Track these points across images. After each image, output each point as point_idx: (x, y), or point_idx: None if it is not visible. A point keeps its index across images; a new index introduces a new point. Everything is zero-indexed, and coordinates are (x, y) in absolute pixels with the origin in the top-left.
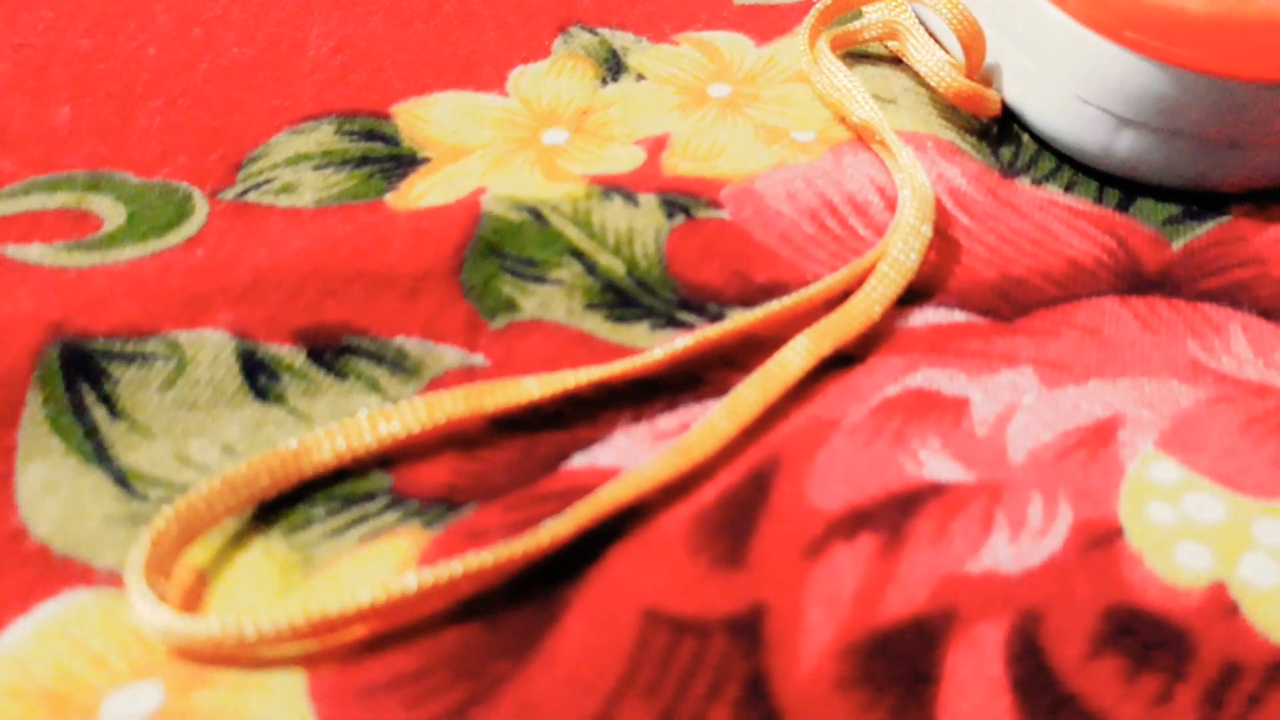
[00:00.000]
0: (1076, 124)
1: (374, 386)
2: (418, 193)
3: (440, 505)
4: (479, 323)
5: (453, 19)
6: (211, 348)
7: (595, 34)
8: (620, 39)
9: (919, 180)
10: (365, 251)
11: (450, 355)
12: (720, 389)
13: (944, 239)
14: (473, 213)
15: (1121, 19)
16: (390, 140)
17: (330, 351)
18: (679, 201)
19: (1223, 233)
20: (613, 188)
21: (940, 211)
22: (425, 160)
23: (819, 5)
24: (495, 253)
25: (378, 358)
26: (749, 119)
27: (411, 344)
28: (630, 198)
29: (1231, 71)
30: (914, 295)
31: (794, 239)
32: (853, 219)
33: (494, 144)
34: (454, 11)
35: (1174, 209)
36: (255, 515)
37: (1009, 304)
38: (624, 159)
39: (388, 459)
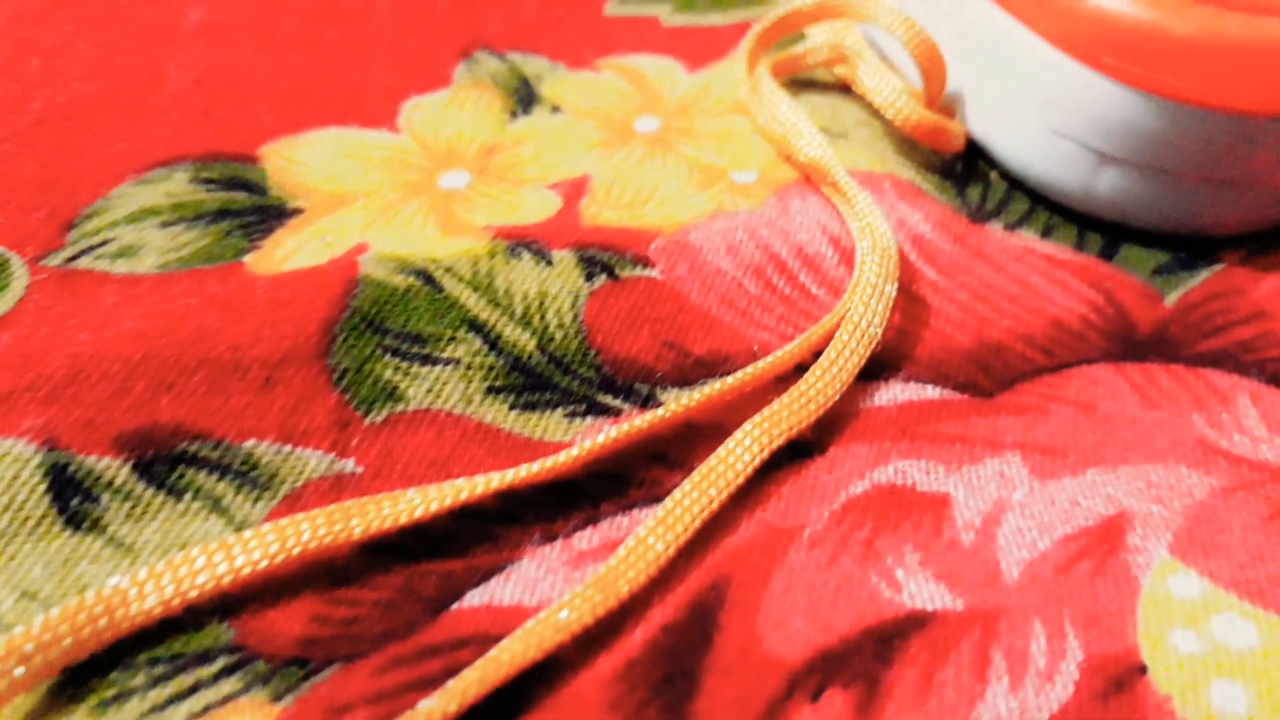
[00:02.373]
0: (1052, 161)
1: (216, 507)
2: (284, 252)
3: (292, 667)
4: (351, 417)
5: (338, 44)
6: (11, 463)
7: (504, 59)
8: (533, 65)
9: (879, 229)
10: (211, 332)
11: (313, 461)
12: (652, 493)
13: (909, 297)
14: (348, 277)
15: (1101, 43)
16: (255, 188)
17: (162, 462)
18: (600, 258)
19: (1218, 283)
20: (521, 242)
21: (904, 264)
22: (296, 211)
23: (757, 27)
24: (374, 327)
25: (222, 468)
26: (681, 157)
27: (265, 449)
28: (542, 255)
29: (1223, 103)
30: (879, 367)
31: (736, 301)
32: (804, 276)
33: (380, 190)
34: (339, 36)
35: (1163, 256)
36: (55, 687)
37: (989, 376)
38: (535, 206)
39: (229, 604)
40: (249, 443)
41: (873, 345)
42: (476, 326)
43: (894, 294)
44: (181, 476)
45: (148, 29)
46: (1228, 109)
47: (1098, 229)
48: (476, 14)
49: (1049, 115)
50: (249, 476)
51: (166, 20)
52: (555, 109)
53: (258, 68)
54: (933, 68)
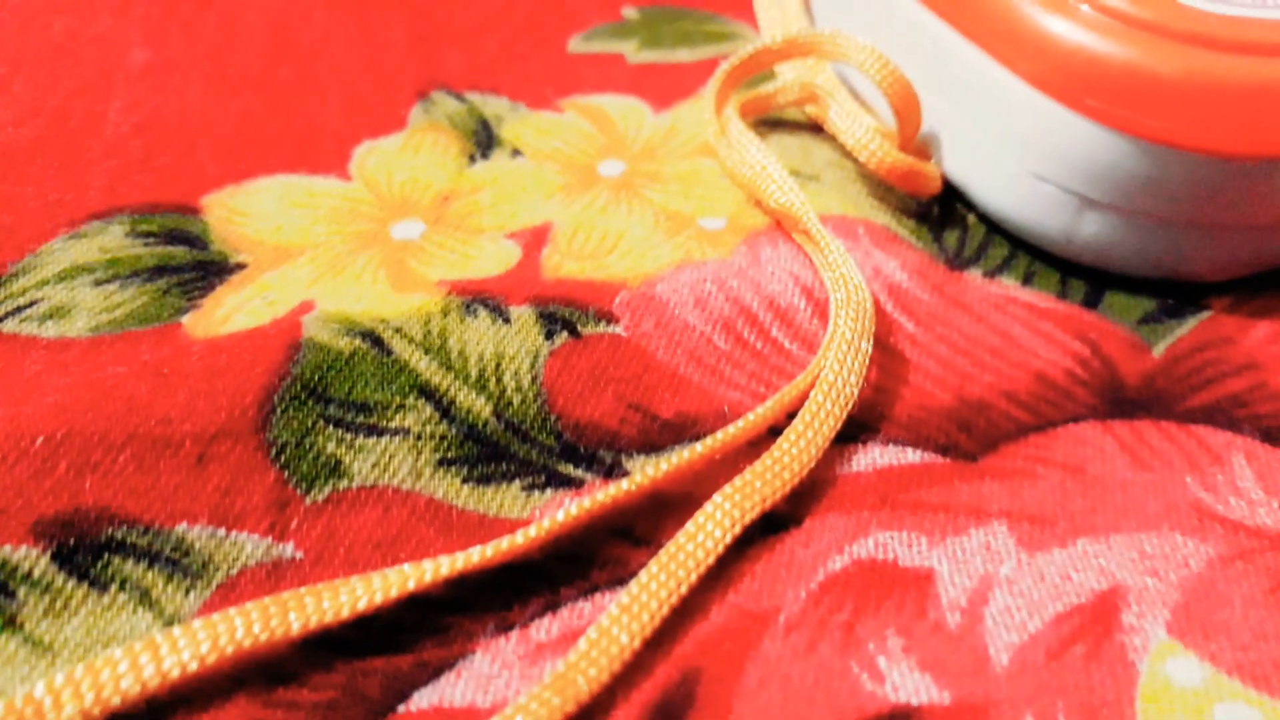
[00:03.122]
0: (1033, 205)
1: (144, 599)
2: (224, 311)
3: None
4: (290, 496)
5: (288, 85)
6: None
7: (462, 100)
8: (493, 105)
9: (853, 281)
10: (141, 404)
11: (249, 546)
12: (616, 574)
13: (886, 351)
14: (289, 341)
15: (1083, 84)
16: (196, 242)
17: (86, 550)
18: (561, 315)
19: (1207, 332)
20: (477, 298)
21: (880, 316)
22: (239, 266)
23: (725, 65)
24: (316, 396)
25: (151, 556)
26: (647, 203)
27: (197, 533)
28: (499, 312)
29: (1211, 145)
30: (856, 429)
31: (706, 358)
32: (776, 329)
33: (329, 242)
34: (290, 76)
35: (1149, 303)
36: None
37: (971, 437)
38: (494, 257)
39: (156, 709)
40: (180, 527)
41: (849, 406)
42: (427, 392)
43: (870, 350)
44: (107, 566)
45: (88, 69)
46: (1216, 152)
47: (1081, 274)
48: (435, 51)
49: (1028, 158)
50: (180, 565)
51: (109, 60)
52: (516, 152)
53: (203, 110)
54: (907, 108)
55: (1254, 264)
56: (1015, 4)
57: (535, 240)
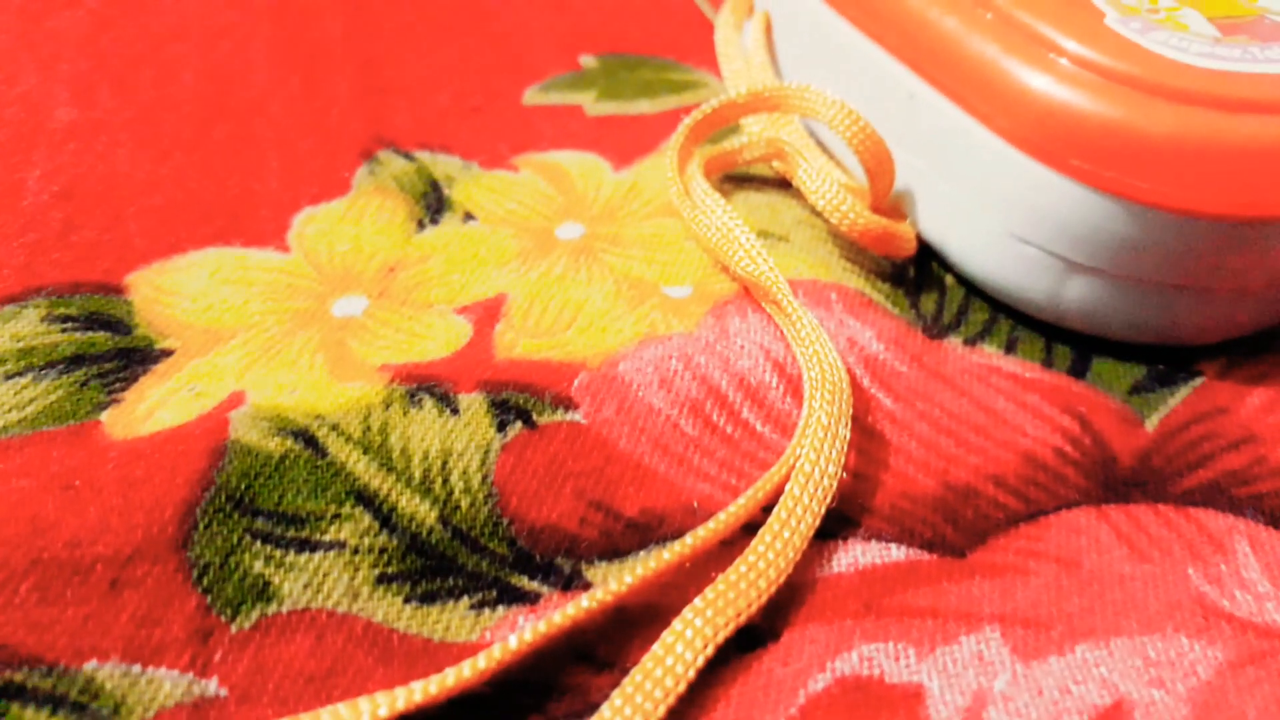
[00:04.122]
0: (1015, 269)
1: None
2: (147, 406)
3: None
4: (214, 625)
5: (224, 147)
6: None
7: (411, 159)
8: (443, 165)
9: (827, 357)
10: (47, 525)
11: (168, 685)
12: (576, 705)
13: (865, 432)
14: (214, 443)
15: (1067, 144)
16: (119, 326)
17: None
18: (515, 402)
19: (1200, 401)
20: (423, 386)
21: (857, 392)
22: (165, 353)
23: (687, 120)
24: (243, 508)
25: (55, 700)
26: (608, 269)
27: (109, 671)
28: (447, 401)
29: (1204, 208)
30: (835, 523)
31: (672, 446)
32: (747, 411)
33: (263, 322)
34: (227, 137)
35: (1138, 371)
36: None
37: (958, 529)
38: (442, 336)
39: None
40: (89, 665)
41: (828, 500)
42: (366, 499)
43: (848, 436)
44: (4, 715)
45: (7, 132)
46: (1210, 214)
47: (1066, 339)
48: (382, 106)
49: (1010, 220)
50: (89, 710)
51: (31, 120)
52: (468, 216)
53: (131, 176)
54: (879, 166)
55: (1246, 326)
56: (992, 57)
57: (488, 314)
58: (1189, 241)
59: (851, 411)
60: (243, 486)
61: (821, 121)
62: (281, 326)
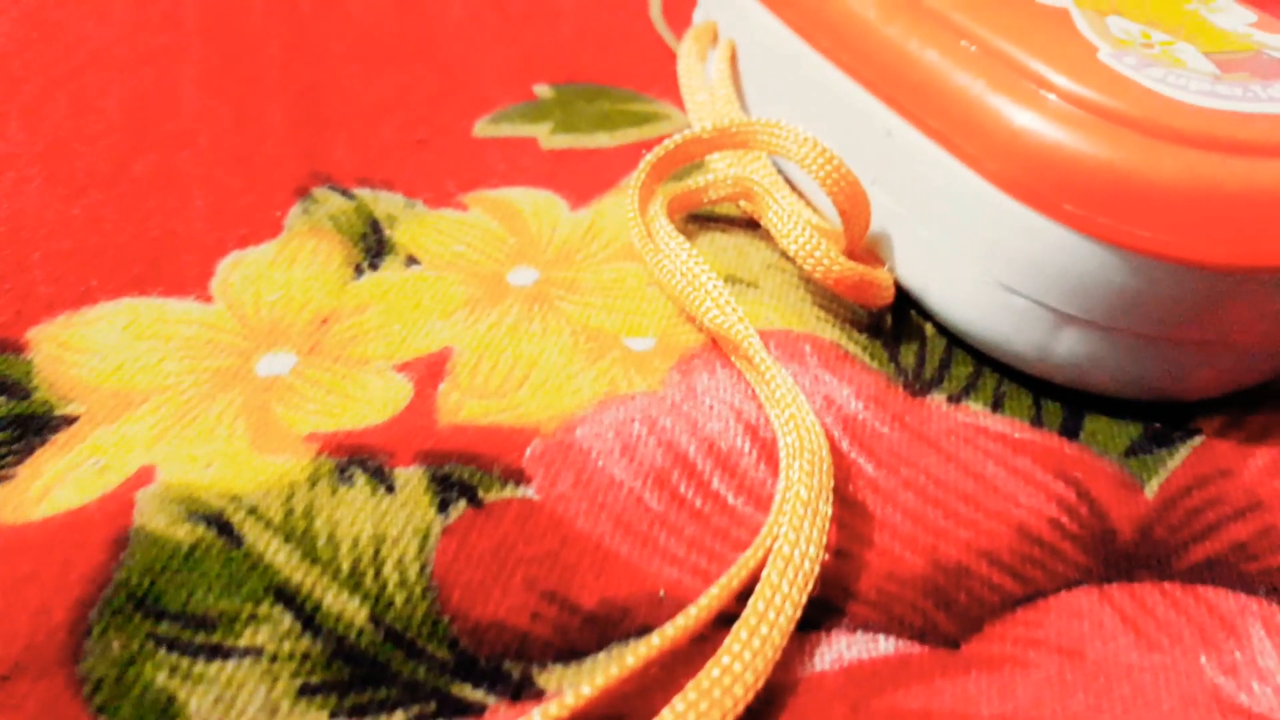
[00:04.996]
0: (1002, 320)
1: None
2: (42, 484)
3: None
4: None
5: (145, 184)
6: None
7: (350, 196)
8: (385, 203)
9: (804, 421)
10: None
11: None
12: None
13: (845, 503)
14: (115, 531)
15: (1059, 188)
16: (16, 390)
17: None
18: (459, 477)
19: (1201, 462)
20: (355, 459)
21: (836, 458)
22: (68, 420)
23: (650, 155)
24: (145, 609)
25: None
26: (564, 318)
27: None
28: (381, 477)
29: (1209, 258)
30: (817, 612)
31: (636, 523)
32: (717, 481)
33: (179, 385)
34: (148, 173)
35: (1134, 429)
36: None
37: (951, 615)
38: (378, 398)
39: None
40: None
41: (809, 587)
42: (286, 596)
43: (830, 512)
44: None
45: None
46: (1214, 264)
47: (1055, 394)
48: (320, 139)
49: (996, 268)
50: None
51: None
52: (411, 260)
53: (40, 216)
54: (854, 209)
55: (1247, 380)
56: (976, 93)
57: (430, 372)
58: (1191, 293)
59: (832, 483)
60: (146, 583)
61: (792, 160)
62: (200, 389)
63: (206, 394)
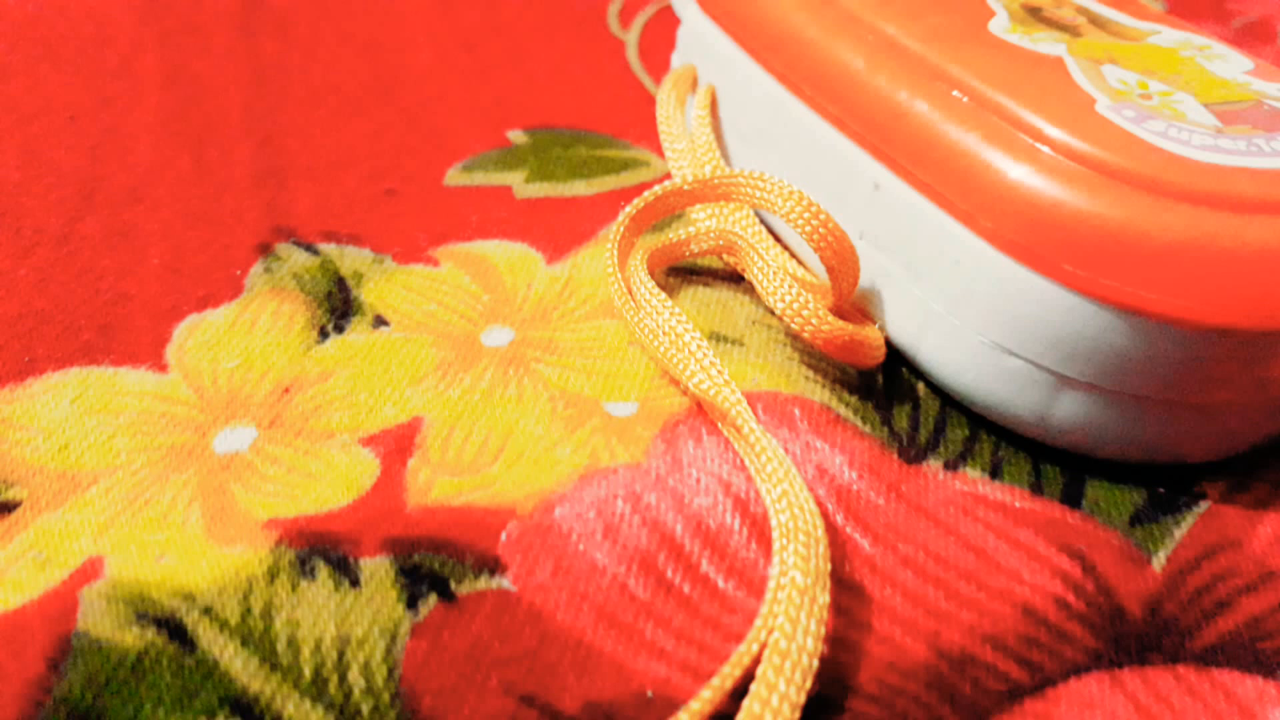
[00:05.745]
0: (998, 383)
1: None
2: None
3: None
4: None
5: (97, 241)
6: None
7: (314, 252)
8: (352, 259)
9: (798, 498)
10: None
11: None
12: None
13: (841, 585)
14: (56, 636)
15: (1059, 247)
16: None
17: None
18: (429, 568)
19: (1208, 530)
20: (317, 549)
21: (830, 534)
22: (9, 506)
23: (629, 208)
24: None
25: None
26: (541, 383)
27: None
28: (345, 569)
29: (1217, 320)
30: (814, 708)
31: (620, 615)
32: (707, 564)
33: (131, 464)
34: (101, 230)
35: (1137, 495)
36: None
37: (956, 709)
38: (343, 477)
39: None
40: None
41: (807, 684)
42: (244, 707)
43: (828, 600)
44: None
45: None
46: (1221, 326)
47: (1055, 458)
48: (283, 190)
49: (992, 329)
50: None
51: None
52: (379, 321)
53: None
54: (843, 265)
55: (1251, 440)
56: (970, 147)
57: (399, 446)
58: (1198, 355)
59: (829, 567)
60: (89, 698)
61: (776, 214)
62: (153, 468)
63: (160, 474)
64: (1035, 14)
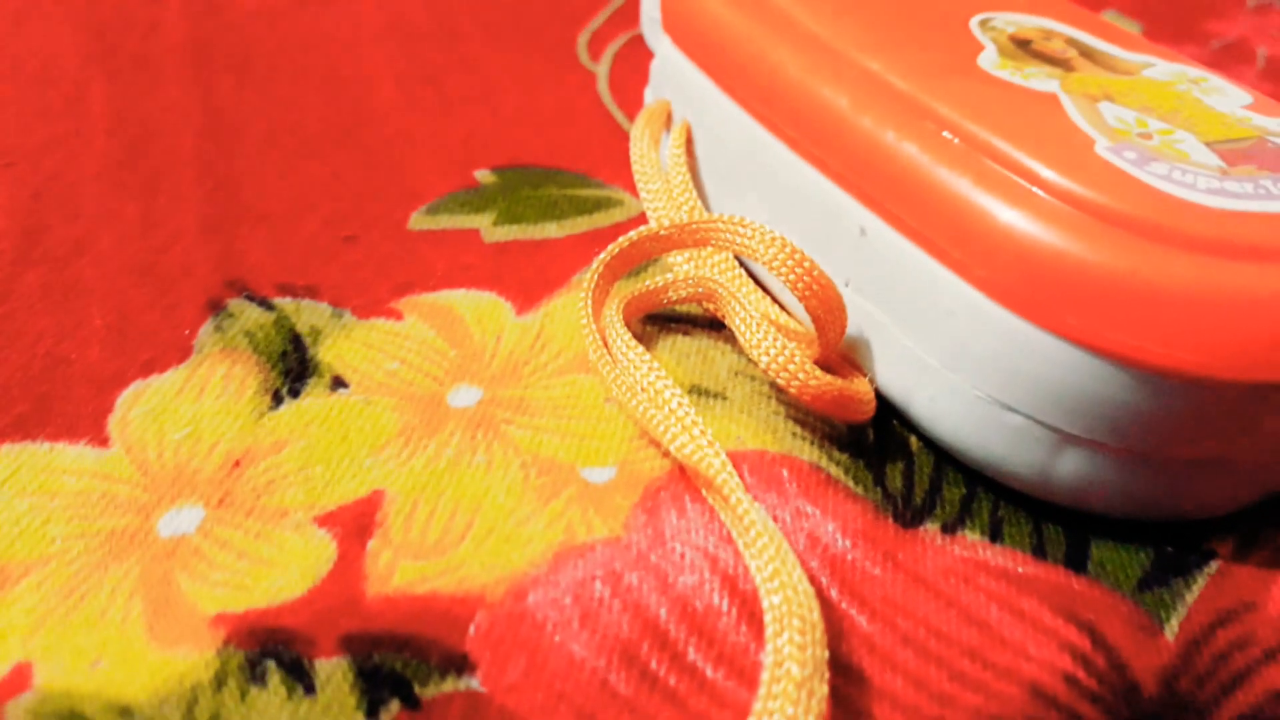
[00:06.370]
0: (997, 439)
1: None
2: None
3: None
4: None
5: (33, 301)
6: None
7: (269, 307)
8: (310, 313)
9: (791, 577)
10: None
11: None
12: None
13: (838, 669)
14: None
15: (1060, 299)
16: None
17: None
18: (390, 669)
19: (1219, 594)
20: (269, 649)
21: (825, 610)
22: None
23: (603, 255)
24: None
25: None
26: (512, 447)
27: None
28: (299, 673)
29: (1229, 373)
30: None
31: (601, 715)
32: (694, 652)
33: (66, 553)
34: (39, 287)
35: (1144, 557)
36: None
37: None
38: (297, 563)
39: None
40: None
41: None
42: None
43: (826, 691)
44: None
45: None
46: (1234, 379)
47: (1056, 516)
48: (236, 239)
49: (989, 383)
50: None
51: None
52: (337, 382)
53: None
54: (829, 315)
55: (1259, 494)
56: (963, 192)
57: (358, 525)
58: (1209, 410)
59: (827, 654)
60: None
61: (758, 262)
62: (90, 557)
63: (98, 563)
64: (1024, 47)
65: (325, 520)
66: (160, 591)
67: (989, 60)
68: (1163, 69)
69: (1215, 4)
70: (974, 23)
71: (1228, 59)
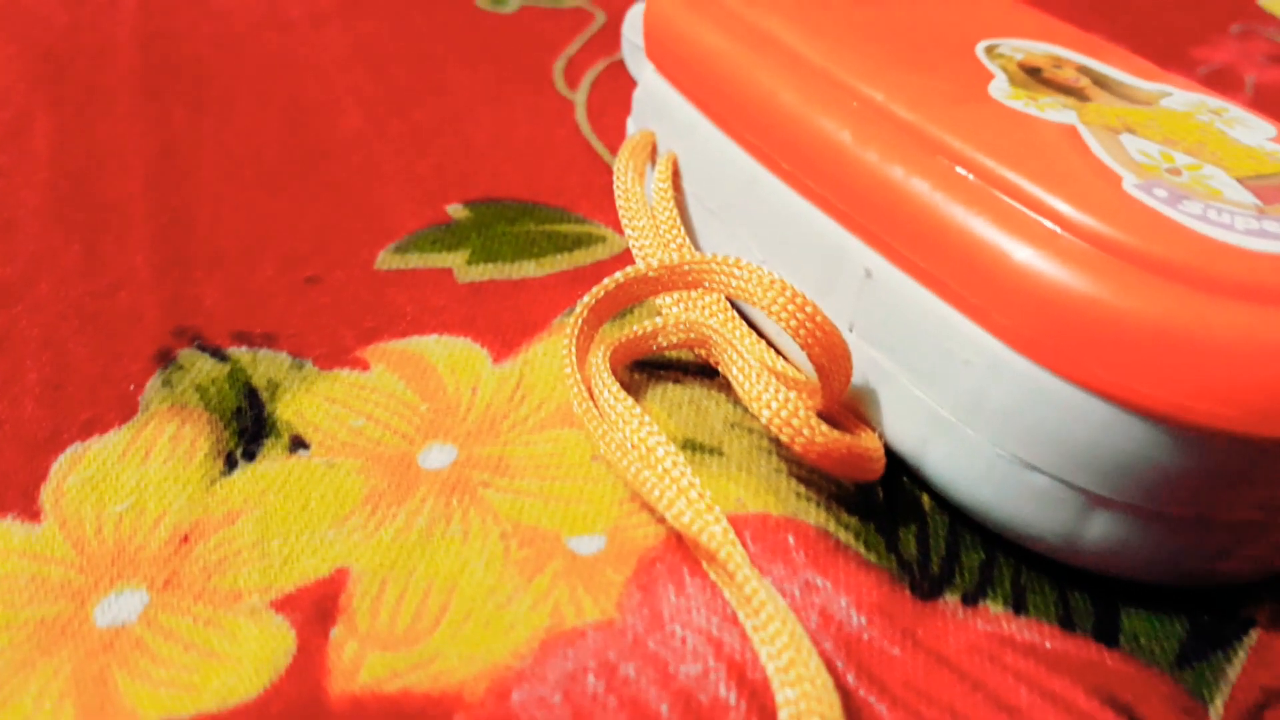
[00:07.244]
0: (1019, 501)
1: None
2: None
3: None
4: None
5: None
6: None
7: (223, 358)
8: (267, 364)
9: (808, 667)
10: None
11: None
12: None
13: None
14: None
15: (1090, 349)
16: None
17: None
18: None
19: (1262, 669)
20: None
21: (842, 697)
22: None
23: (587, 298)
24: None
25: None
26: (491, 514)
27: None
28: None
29: (1273, 431)
30: None
31: None
32: None
33: None
34: None
35: (1179, 627)
36: None
37: None
38: (252, 658)
39: None
40: None
41: None
42: None
43: None
44: None
45: None
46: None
47: (1082, 581)
48: (188, 281)
49: (1010, 441)
50: None
51: None
52: (297, 443)
53: None
54: (833, 364)
55: None
56: (979, 232)
57: (319, 610)
58: (1252, 470)
59: None
60: None
61: (756, 306)
62: (15, 652)
63: (24, 660)
64: (1035, 75)
65: (283, 604)
66: (94, 693)
67: (1000, 90)
68: (1180, 98)
69: (1199, 30)
70: (980, 49)
71: (1217, 85)
